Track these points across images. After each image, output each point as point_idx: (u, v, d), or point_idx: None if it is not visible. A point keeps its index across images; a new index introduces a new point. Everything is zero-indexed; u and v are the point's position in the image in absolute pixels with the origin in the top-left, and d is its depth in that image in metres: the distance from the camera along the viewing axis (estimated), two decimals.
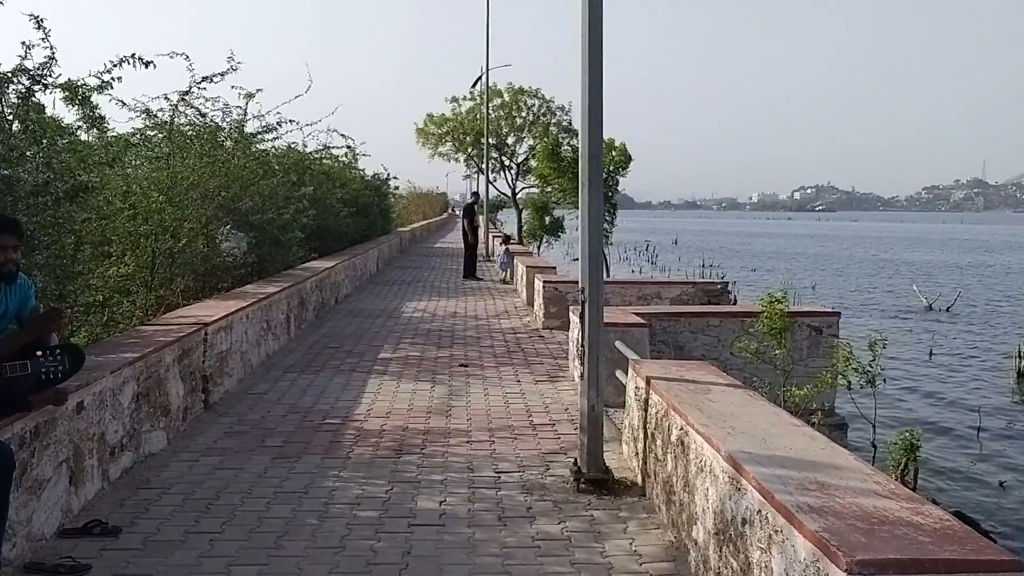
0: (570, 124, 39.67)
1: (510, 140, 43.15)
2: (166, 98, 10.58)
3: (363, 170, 26.46)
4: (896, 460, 6.94)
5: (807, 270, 54.93)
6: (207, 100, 12.71)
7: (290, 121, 13.92)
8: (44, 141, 6.61)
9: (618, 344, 7.58)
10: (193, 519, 5.21)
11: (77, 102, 11.43)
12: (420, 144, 44.76)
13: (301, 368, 10.02)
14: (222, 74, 10.68)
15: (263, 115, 14.30)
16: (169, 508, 5.40)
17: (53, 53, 6.72)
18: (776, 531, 3.36)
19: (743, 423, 4.54)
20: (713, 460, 4.22)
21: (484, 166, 37.02)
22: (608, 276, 23.10)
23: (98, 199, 7.75)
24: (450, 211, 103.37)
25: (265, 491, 5.73)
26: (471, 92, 43.54)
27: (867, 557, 2.76)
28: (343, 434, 7.20)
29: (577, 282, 14.15)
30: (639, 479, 5.90)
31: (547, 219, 32.79)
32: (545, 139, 22.30)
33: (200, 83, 10.42)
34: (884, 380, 11.20)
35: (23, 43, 6.45)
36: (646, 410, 5.75)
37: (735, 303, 13.56)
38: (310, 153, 18.37)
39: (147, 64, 7.97)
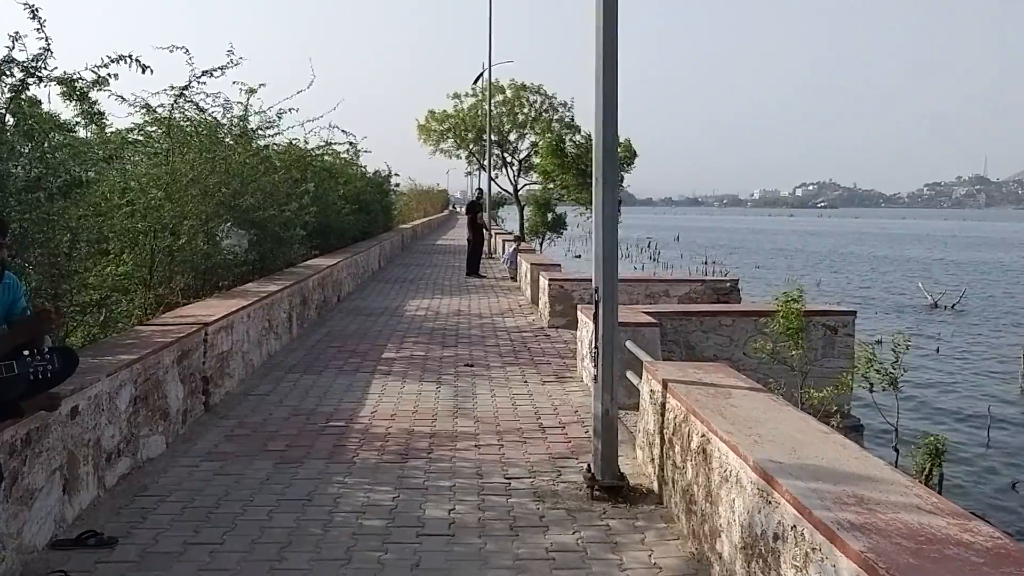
0: (572, 120, 39.45)
1: (512, 137, 42.88)
2: (167, 93, 10.35)
3: (364, 167, 26.27)
4: (920, 466, 6.73)
5: (811, 267, 54.75)
6: (208, 96, 12.52)
7: (292, 110, 13.67)
8: (36, 136, 6.38)
9: (629, 344, 7.36)
10: (192, 529, 5.00)
11: (75, 98, 11.26)
12: (421, 141, 44.51)
13: (304, 368, 9.81)
14: (222, 68, 10.46)
15: (264, 111, 14.11)
16: (168, 517, 5.18)
17: (48, 44, 6.50)
18: (814, 549, 3.14)
19: (769, 430, 4.32)
20: (740, 470, 4.01)
21: (486, 163, 36.77)
22: None
23: (95, 195, 7.53)
24: (451, 208, 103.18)
25: (267, 498, 5.52)
26: (473, 88, 43.33)
27: None
28: (347, 437, 6.99)
29: (583, 280, 14.03)
30: (655, 486, 5.68)
31: (549, 216, 32.57)
32: (549, 135, 22.01)
33: (200, 77, 10.19)
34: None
35: (11, 34, 6.22)
36: (663, 414, 5.53)
37: (739, 301, 13.31)
38: (311, 149, 18.15)
39: (144, 68, 7.76)
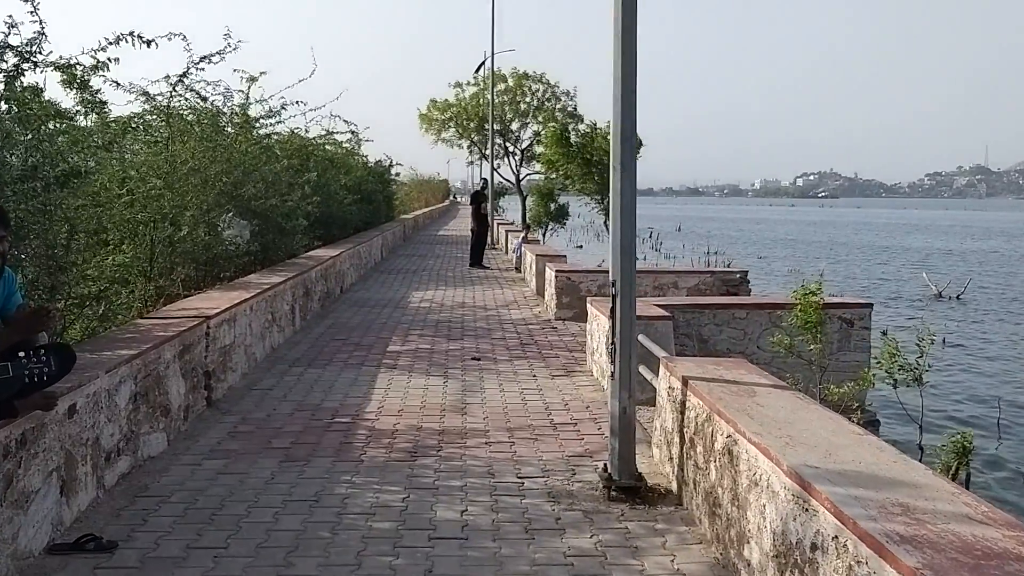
0: (575, 109, 39.17)
1: (514, 126, 42.63)
2: (166, 79, 10.12)
3: (366, 156, 26.03)
4: (946, 464, 6.54)
5: (813, 257, 54.46)
6: (208, 84, 12.29)
7: (296, 103, 13.44)
8: (33, 123, 6.16)
9: (642, 339, 7.15)
10: (195, 532, 4.81)
11: (76, 85, 11.02)
12: (423, 130, 44.24)
13: (308, 362, 9.61)
14: (220, 53, 10.21)
15: (266, 99, 13.88)
16: (169, 519, 4.99)
17: (43, 28, 6.27)
18: (859, 562, 2.95)
19: (799, 431, 4.13)
20: (771, 474, 3.81)
21: (488, 152, 36.52)
22: None
23: (94, 185, 7.32)
24: (452, 198, 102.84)
25: (273, 499, 5.33)
26: (475, 77, 43.01)
27: None
28: (354, 434, 6.80)
29: (590, 271, 13.83)
30: (674, 486, 5.49)
31: (552, 206, 32.34)
32: (553, 124, 21.78)
33: (198, 63, 9.96)
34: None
35: (7, 19, 6.00)
36: (682, 413, 5.33)
37: (748, 293, 13.11)
38: (313, 139, 17.93)
39: (148, 43, 7.51)
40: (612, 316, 5.38)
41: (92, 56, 7.21)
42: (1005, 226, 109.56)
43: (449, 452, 6.33)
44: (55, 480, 4.64)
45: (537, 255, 16.14)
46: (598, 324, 8.68)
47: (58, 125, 7.14)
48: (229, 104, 13.13)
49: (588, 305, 9.30)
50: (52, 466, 4.61)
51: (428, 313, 13.57)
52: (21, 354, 3.80)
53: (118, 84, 9.96)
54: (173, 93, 10.35)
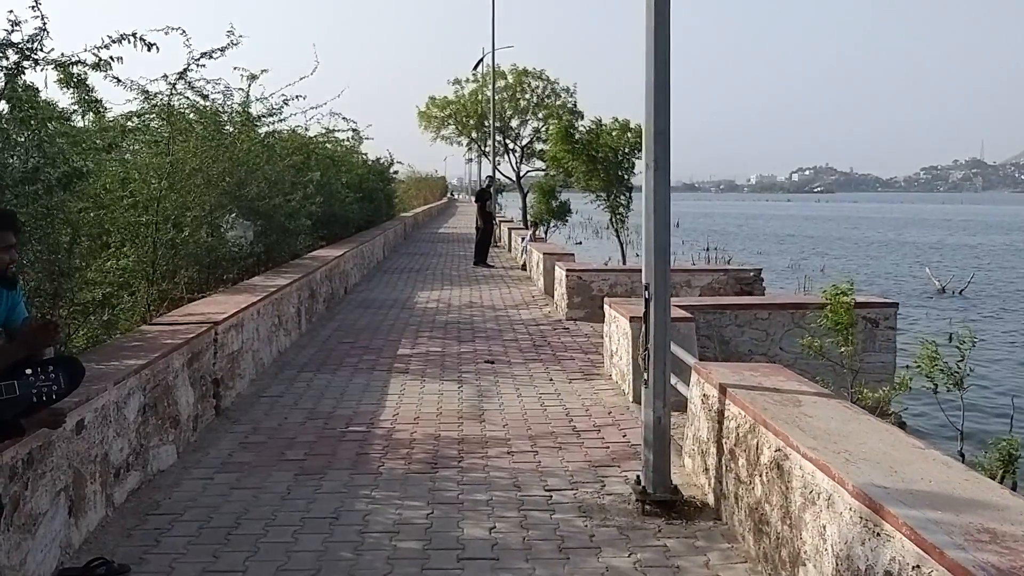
0: (575, 106, 38.90)
1: (514, 123, 42.29)
2: (164, 78, 9.83)
3: (366, 154, 25.75)
4: (990, 472, 6.30)
5: (813, 253, 54.26)
6: (208, 82, 12.03)
7: (297, 97, 13.16)
8: (34, 123, 5.89)
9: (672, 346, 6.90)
10: (211, 553, 4.55)
11: (73, 84, 10.74)
12: (422, 127, 43.86)
13: (316, 367, 9.35)
14: (222, 49, 9.92)
15: (266, 97, 13.61)
16: (183, 539, 4.74)
17: (44, 24, 6.00)
18: None
19: (856, 445, 3.88)
20: (833, 493, 3.56)
21: (488, 149, 36.25)
22: (624, 263, 22.43)
23: (95, 187, 7.06)
24: (449, 195, 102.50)
25: (291, 516, 5.07)
26: (473, 74, 42.70)
27: None
28: (370, 444, 6.54)
29: (601, 271, 13.58)
30: (710, 499, 5.24)
31: (553, 203, 32.08)
32: (558, 121, 21.51)
33: (199, 59, 9.67)
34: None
35: (8, 14, 5.73)
36: (720, 422, 5.08)
37: (763, 291, 12.87)
38: (313, 137, 17.65)
39: (149, 46, 7.23)
40: (645, 321, 5.13)
41: (94, 54, 6.91)
42: (1002, 220, 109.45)
43: (471, 462, 6.08)
44: (63, 500, 4.39)
45: (545, 253, 15.88)
46: (617, 326, 8.44)
47: (58, 126, 6.86)
48: (230, 103, 12.87)
49: (606, 306, 9.05)
50: (60, 486, 4.36)
51: (436, 314, 13.32)
52: (28, 371, 3.54)
53: (119, 80, 9.66)
54: (173, 91, 10.06)
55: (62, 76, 10.68)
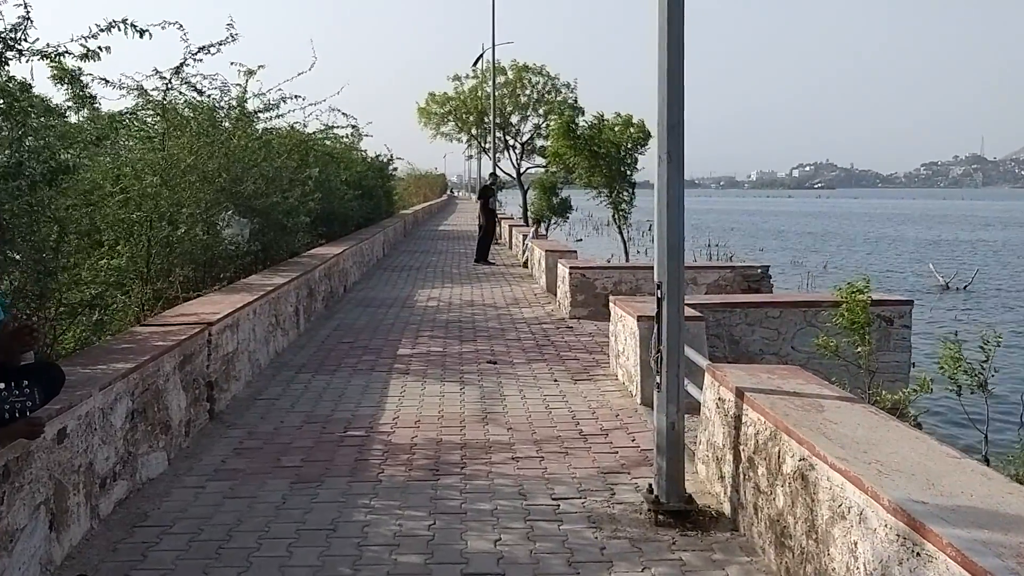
0: (576, 102, 38.53)
1: (514, 119, 41.96)
2: (158, 72, 9.58)
3: (365, 151, 25.47)
4: (1018, 476, 6.05)
5: (814, 249, 54.00)
6: (205, 77, 11.79)
7: (295, 97, 12.91)
8: (17, 115, 5.64)
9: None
10: (201, 569, 4.30)
11: (67, 80, 10.48)
12: (422, 124, 43.52)
13: (314, 368, 9.10)
14: (219, 44, 9.68)
15: (264, 93, 13.35)
16: (172, 554, 4.48)
17: (28, 12, 5.73)
18: None
19: (887, 455, 3.63)
20: (865, 508, 3.31)
21: (488, 146, 35.97)
22: (627, 260, 22.17)
23: (85, 183, 6.80)
24: (449, 192, 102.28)
25: (285, 528, 4.82)
26: (473, 70, 42.39)
27: None
28: (369, 449, 6.29)
29: (605, 268, 13.33)
30: (726, 508, 4.99)
31: (554, 199, 31.78)
32: (560, 116, 21.23)
33: (196, 54, 9.42)
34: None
35: None
36: (737, 428, 4.83)
37: (770, 289, 12.62)
38: (312, 133, 17.38)
39: (141, 32, 6.94)
40: (658, 321, 4.88)
41: (82, 44, 6.64)
42: (1003, 215, 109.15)
43: (474, 469, 5.83)
44: (43, 514, 4.14)
45: (547, 250, 15.62)
46: (623, 325, 8.19)
47: (44, 120, 6.60)
48: (227, 99, 12.62)
49: (611, 305, 8.80)
50: (40, 499, 4.11)
51: (436, 312, 13.06)
52: (1, 385, 3.29)
53: (107, 81, 9.41)
54: (169, 87, 9.81)
55: (56, 71, 10.47)
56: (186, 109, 11.14)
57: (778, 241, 61.13)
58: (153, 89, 10.38)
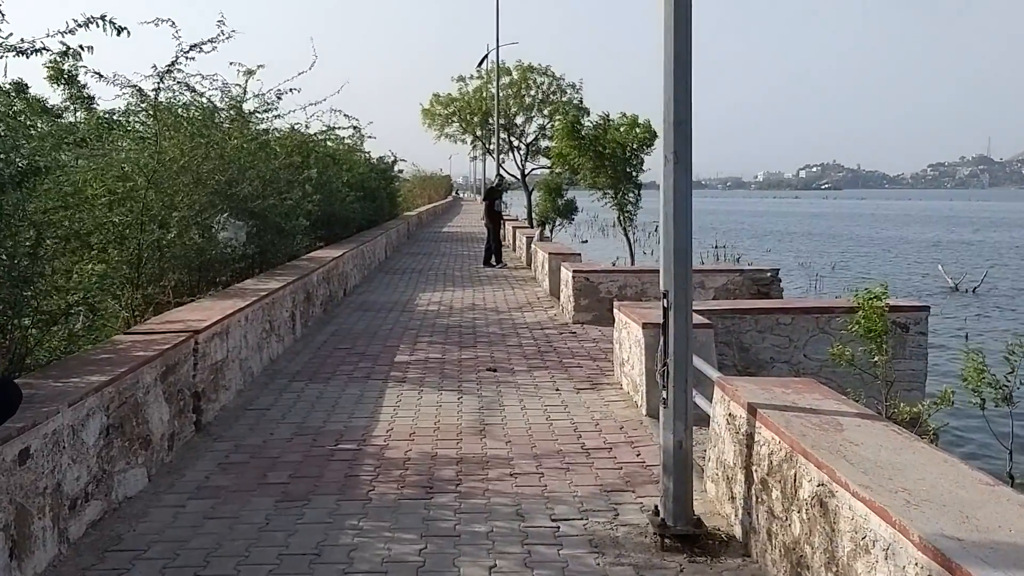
0: (581, 102, 38.24)
1: (519, 120, 41.71)
2: (153, 75, 9.31)
3: (368, 152, 25.21)
4: None
5: (822, 250, 53.57)
6: (205, 77, 11.53)
7: (291, 91, 12.64)
8: None
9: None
10: None
11: (63, 81, 10.23)
12: (426, 125, 43.32)
13: (309, 375, 8.80)
14: (212, 41, 9.40)
15: (263, 93, 13.10)
16: None
17: None
18: None
19: (914, 482, 3.32)
20: (894, 543, 2.99)
21: (493, 147, 35.69)
22: (633, 263, 21.83)
23: (65, 185, 6.51)
24: (454, 194, 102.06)
25: (267, 553, 4.52)
26: (478, 70, 42.17)
27: None
28: (360, 464, 5.99)
29: (610, 271, 12.99)
30: (737, 532, 4.68)
31: (559, 201, 31.50)
32: (565, 116, 20.90)
33: (188, 52, 9.13)
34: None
35: None
36: (749, 447, 4.52)
37: (780, 293, 12.29)
38: (313, 135, 17.12)
39: (119, 30, 6.64)
40: (664, 332, 4.57)
41: (61, 42, 6.36)
42: (1011, 216, 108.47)
43: (470, 486, 5.52)
44: (2, 541, 3.85)
45: (550, 253, 15.31)
46: (628, 332, 7.88)
47: (11, 121, 6.29)
48: (225, 100, 12.37)
49: (615, 311, 8.49)
50: None
51: (437, 317, 12.76)
52: None
53: (100, 76, 9.17)
54: (161, 85, 9.53)
55: (52, 72, 10.23)
56: (180, 109, 10.88)
57: (784, 243, 60.73)
58: (152, 90, 10.13)
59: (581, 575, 4.25)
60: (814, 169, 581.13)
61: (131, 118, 10.49)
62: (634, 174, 20.50)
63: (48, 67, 9.91)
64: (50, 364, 5.64)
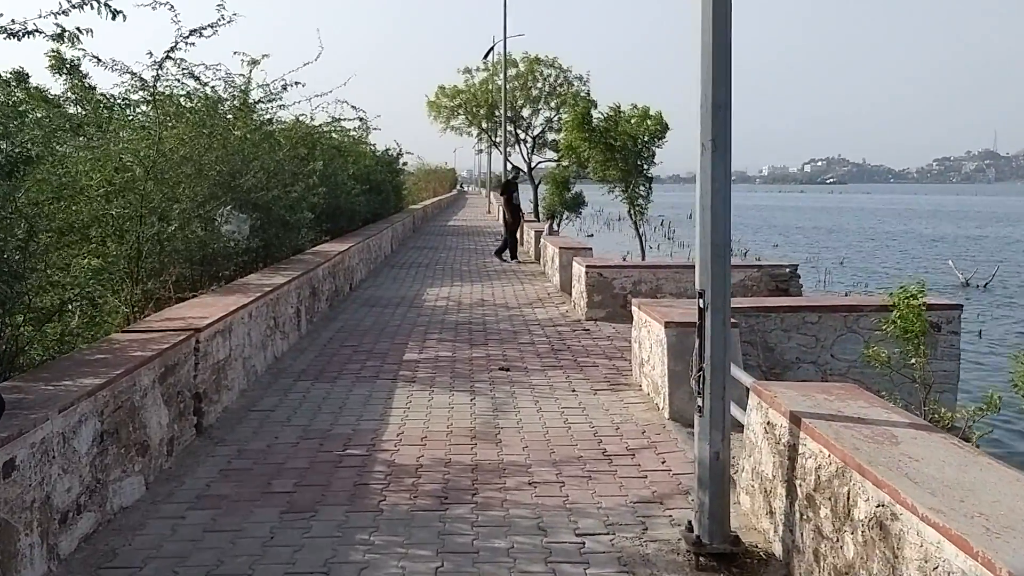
0: (589, 94, 37.82)
1: (525, 112, 41.32)
2: (149, 55, 8.97)
3: (374, 145, 24.86)
4: None
5: (829, 245, 53.17)
6: (208, 67, 11.21)
7: (297, 83, 12.31)
8: None
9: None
10: None
11: (65, 69, 9.91)
12: (431, 118, 42.95)
13: (315, 374, 8.49)
14: (212, 26, 9.05)
15: (268, 84, 12.76)
16: None
17: None
18: None
19: (989, 504, 2.98)
20: None
21: (499, 140, 35.34)
22: (644, 257, 21.49)
23: (59, 175, 6.18)
24: (459, 187, 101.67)
25: (272, 571, 4.20)
26: (484, 62, 41.76)
27: None
28: (370, 471, 5.67)
29: (623, 267, 12.66)
30: (777, 549, 4.35)
31: (567, 194, 31.15)
32: (575, 107, 20.53)
33: (187, 37, 8.78)
34: None
35: None
36: (792, 459, 4.19)
37: (799, 289, 11.94)
38: (319, 126, 16.78)
39: (115, 13, 6.29)
40: (700, 335, 4.24)
41: (56, 24, 6.01)
42: (1017, 211, 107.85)
43: (487, 496, 5.19)
44: None
45: (561, 248, 14.96)
46: (648, 331, 7.55)
47: (21, 108, 5.99)
48: (230, 90, 12.05)
49: (634, 309, 8.15)
50: None
51: (445, 313, 12.44)
52: None
53: (99, 60, 8.84)
54: (159, 73, 9.18)
55: (54, 61, 9.91)
56: (183, 98, 10.55)
57: (790, 237, 60.34)
58: (152, 77, 9.81)
59: None
60: (819, 163, 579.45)
61: (129, 109, 10.18)
62: (645, 167, 20.13)
63: (50, 56, 9.61)
64: (42, 365, 5.32)
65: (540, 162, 42.13)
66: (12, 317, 5.47)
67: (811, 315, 7.73)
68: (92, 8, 5.76)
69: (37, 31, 5.75)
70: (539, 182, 38.86)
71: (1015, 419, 10.78)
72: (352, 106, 19.18)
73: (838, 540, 3.65)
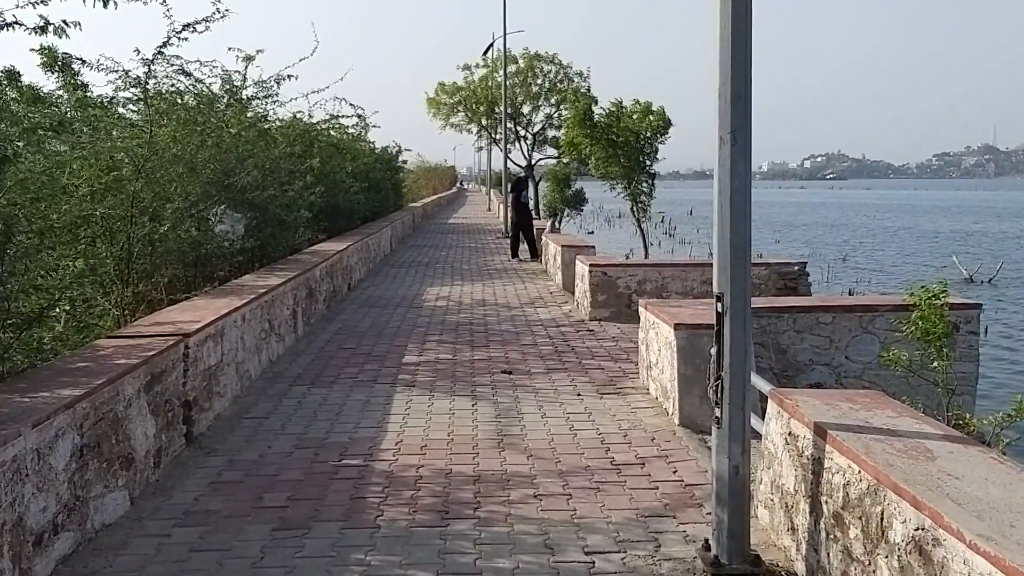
0: (589, 90, 37.59)
1: (525, 109, 41.03)
2: (137, 52, 8.72)
3: (373, 143, 24.59)
4: None
5: (826, 243, 52.85)
6: (203, 64, 10.96)
7: (290, 77, 12.04)
8: None
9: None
10: None
11: (57, 68, 9.66)
12: (431, 115, 42.67)
13: (311, 379, 8.21)
14: (205, 20, 8.79)
15: (264, 80, 12.51)
16: None
17: None
18: None
19: None
20: None
21: (499, 136, 35.07)
22: (647, 255, 21.21)
23: (36, 175, 5.90)
24: (459, 185, 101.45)
25: None
26: (484, 59, 41.45)
27: None
28: (367, 483, 5.40)
29: (628, 266, 12.38)
30: (800, 569, 4.07)
31: (567, 191, 30.91)
32: (576, 103, 20.25)
33: (180, 32, 8.53)
34: None
35: None
36: (817, 473, 3.92)
37: (808, 288, 11.68)
38: (316, 123, 16.53)
39: (105, 2, 6.02)
40: (718, 342, 3.97)
41: (40, 15, 5.73)
42: (1017, 206, 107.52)
43: (490, 511, 4.92)
44: None
45: (563, 246, 14.68)
46: (656, 333, 7.27)
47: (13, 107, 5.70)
48: (226, 87, 11.79)
49: (641, 309, 7.88)
50: None
51: (446, 313, 12.17)
52: None
53: (83, 61, 8.58)
54: (150, 70, 8.93)
55: (45, 60, 9.65)
56: (176, 96, 10.29)
57: (790, 232, 60.08)
58: (144, 72, 9.56)
59: None
60: (819, 159, 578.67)
61: (119, 106, 9.93)
62: (647, 163, 19.85)
63: (41, 54, 9.37)
64: (21, 375, 5.03)
65: (540, 159, 41.86)
66: None
67: (825, 315, 7.45)
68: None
69: (17, 23, 5.47)
70: (539, 179, 38.58)
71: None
72: (351, 103, 18.97)
73: (870, 563, 3.38)
